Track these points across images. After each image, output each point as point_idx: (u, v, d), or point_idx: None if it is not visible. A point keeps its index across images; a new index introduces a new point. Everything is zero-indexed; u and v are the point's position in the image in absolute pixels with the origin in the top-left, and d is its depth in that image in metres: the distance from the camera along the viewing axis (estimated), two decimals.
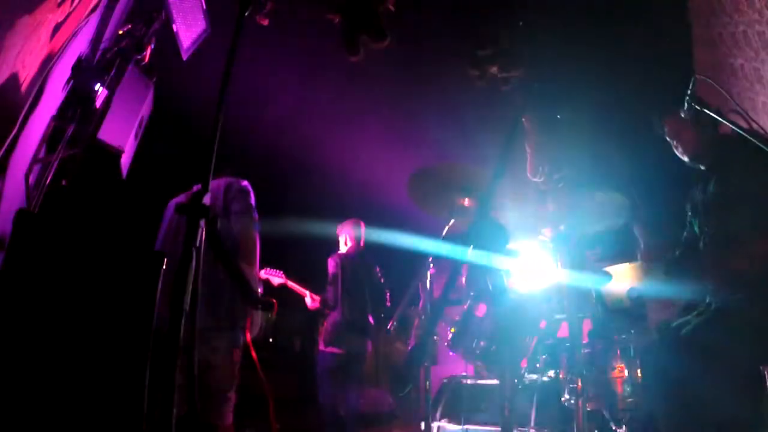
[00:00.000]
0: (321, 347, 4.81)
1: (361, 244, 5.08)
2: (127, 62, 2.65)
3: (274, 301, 3.06)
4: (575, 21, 4.16)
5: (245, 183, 2.98)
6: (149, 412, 1.71)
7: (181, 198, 3.13)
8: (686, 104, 2.15)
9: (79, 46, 2.67)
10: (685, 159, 2.49)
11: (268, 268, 5.22)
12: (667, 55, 4.26)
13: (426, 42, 4.66)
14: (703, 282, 2.33)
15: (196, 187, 3.06)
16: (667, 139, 2.53)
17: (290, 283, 5.26)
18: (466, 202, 2.77)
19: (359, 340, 4.77)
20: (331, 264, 4.87)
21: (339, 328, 4.71)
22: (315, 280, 5.08)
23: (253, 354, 2.87)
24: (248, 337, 2.84)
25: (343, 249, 5.06)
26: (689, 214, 2.54)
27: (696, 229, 2.48)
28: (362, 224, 5.12)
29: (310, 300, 4.98)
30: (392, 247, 5.09)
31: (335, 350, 4.71)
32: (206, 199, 1.38)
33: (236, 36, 1.52)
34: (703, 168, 2.46)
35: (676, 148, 2.50)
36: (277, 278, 5.25)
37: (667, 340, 2.31)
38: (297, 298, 5.20)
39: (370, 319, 4.89)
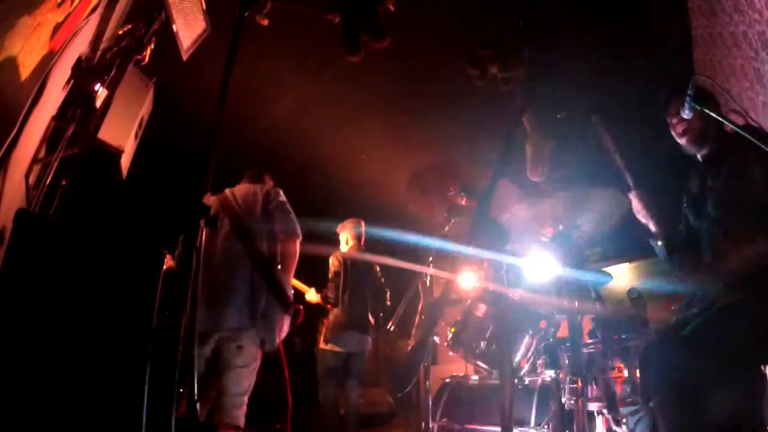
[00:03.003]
0: (321, 345, 4.81)
1: (362, 243, 5.10)
2: (127, 62, 2.65)
3: (301, 308, 3.33)
4: (575, 21, 4.16)
5: (283, 195, 3.28)
6: (149, 412, 1.72)
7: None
8: (687, 105, 2.14)
9: (79, 46, 2.67)
10: (683, 142, 2.40)
11: None
12: (667, 54, 4.26)
13: (426, 41, 4.66)
14: (704, 280, 2.32)
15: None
16: (668, 120, 2.42)
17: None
18: (465, 201, 2.77)
19: (359, 338, 4.78)
20: (334, 262, 4.90)
21: (339, 326, 4.72)
22: (314, 280, 5.07)
23: (283, 357, 3.01)
24: (279, 341, 3.09)
25: (344, 248, 5.07)
26: (684, 205, 2.50)
27: (691, 221, 2.46)
28: (362, 223, 5.15)
29: (312, 295, 4.96)
30: (392, 247, 5.10)
31: (335, 348, 4.72)
32: (206, 200, 1.38)
33: (236, 36, 1.53)
34: (699, 157, 2.43)
35: (675, 128, 2.41)
36: None
37: (667, 339, 2.30)
38: (298, 300, 5.19)
39: (370, 317, 4.90)
